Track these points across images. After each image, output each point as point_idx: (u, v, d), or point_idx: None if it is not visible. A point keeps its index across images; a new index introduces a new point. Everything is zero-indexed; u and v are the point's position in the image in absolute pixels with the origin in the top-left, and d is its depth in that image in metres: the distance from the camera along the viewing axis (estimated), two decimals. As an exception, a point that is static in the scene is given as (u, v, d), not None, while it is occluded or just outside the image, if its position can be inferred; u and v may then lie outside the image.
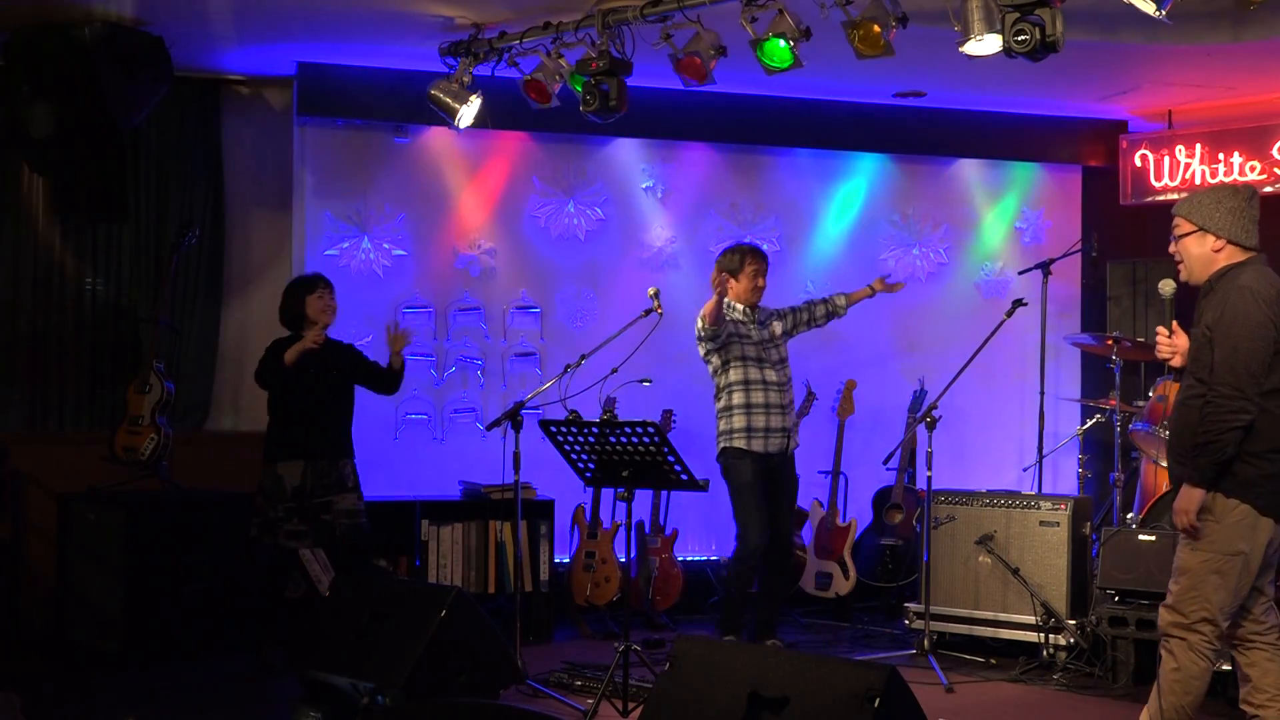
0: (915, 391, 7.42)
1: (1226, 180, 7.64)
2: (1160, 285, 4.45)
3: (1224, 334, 4.11)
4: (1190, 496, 4.12)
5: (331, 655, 4.97)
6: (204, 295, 7.08)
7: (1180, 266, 4.36)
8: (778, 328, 6.24)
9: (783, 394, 6.17)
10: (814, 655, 5.10)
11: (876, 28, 5.05)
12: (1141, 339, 7.22)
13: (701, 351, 6.17)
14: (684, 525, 7.23)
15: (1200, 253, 4.27)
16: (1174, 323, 4.39)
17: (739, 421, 6.08)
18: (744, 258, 6.17)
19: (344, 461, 5.99)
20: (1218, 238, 4.24)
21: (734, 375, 6.12)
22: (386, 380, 6.15)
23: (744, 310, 6.18)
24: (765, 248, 7.58)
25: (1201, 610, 4.14)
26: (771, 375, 6.16)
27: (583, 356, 5.89)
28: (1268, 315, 4.12)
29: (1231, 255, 4.24)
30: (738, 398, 6.09)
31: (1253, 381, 4.07)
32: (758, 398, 6.09)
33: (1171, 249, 4.37)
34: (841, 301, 6.45)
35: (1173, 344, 4.38)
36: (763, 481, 6.09)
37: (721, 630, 6.20)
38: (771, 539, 6.07)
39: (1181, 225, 4.30)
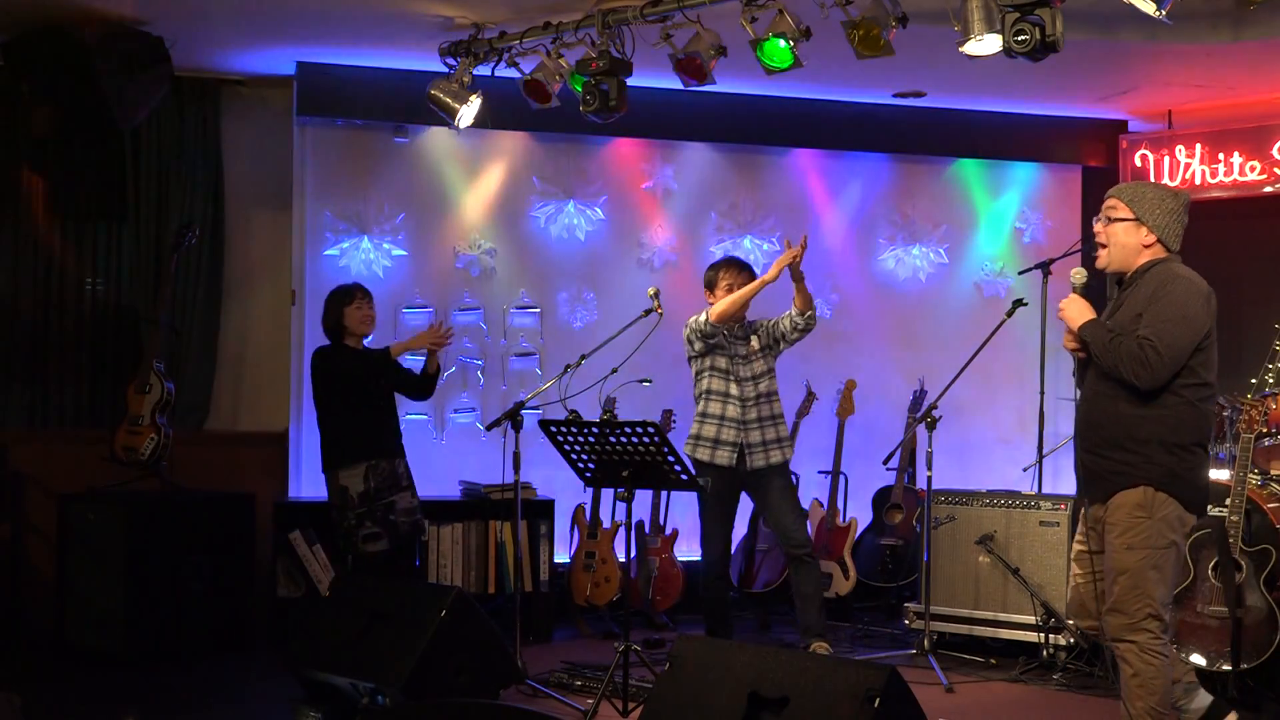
0: (915, 391, 7.41)
1: (1226, 181, 7.67)
2: (1073, 273, 4.46)
3: (1159, 307, 4.16)
4: (1081, 316, 4.28)
5: (331, 655, 4.97)
6: (204, 295, 7.08)
7: (1102, 250, 4.38)
8: (755, 343, 6.18)
9: (745, 409, 6.09)
10: (814, 655, 5.10)
11: (876, 28, 5.05)
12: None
13: (687, 354, 6.21)
14: (684, 525, 7.23)
15: (1130, 243, 4.31)
16: None
17: (694, 428, 6.15)
18: (718, 271, 6.17)
19: (399, 460, 6.05)
20: (1150, 232, 4.28)
21: (702, 384, 6.16)
22: (421, 385, 6.19)
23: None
24: (765, 246, 7.66)
25: (1146, 607, 4.17)
26: (734, 389, 6.13)
27: (583, 356, 5.90)
28: (1208, 312, 4.21)
29: (1156, 253, 4.31)
30: (700, 405, 6.16)
31: (1173, 364, 4.14)
32: (714, 408, 6.11)
33: (1098, 229, 4.38)
34: (793, 310, 6.11)
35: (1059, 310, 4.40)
36: (724, 499, 6.14)
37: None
38: (721, 556, 6.19)
39: (1120, 209, 4.33)
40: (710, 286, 6.17)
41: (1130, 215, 4.30)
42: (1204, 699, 4.45)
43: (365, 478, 5.88)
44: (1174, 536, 4.20)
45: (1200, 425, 4.24)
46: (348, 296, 6.02)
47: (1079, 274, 4.44)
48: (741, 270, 6.18)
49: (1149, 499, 4.18)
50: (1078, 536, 4.51)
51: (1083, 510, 4.45)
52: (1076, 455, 4.43)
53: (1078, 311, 4.32)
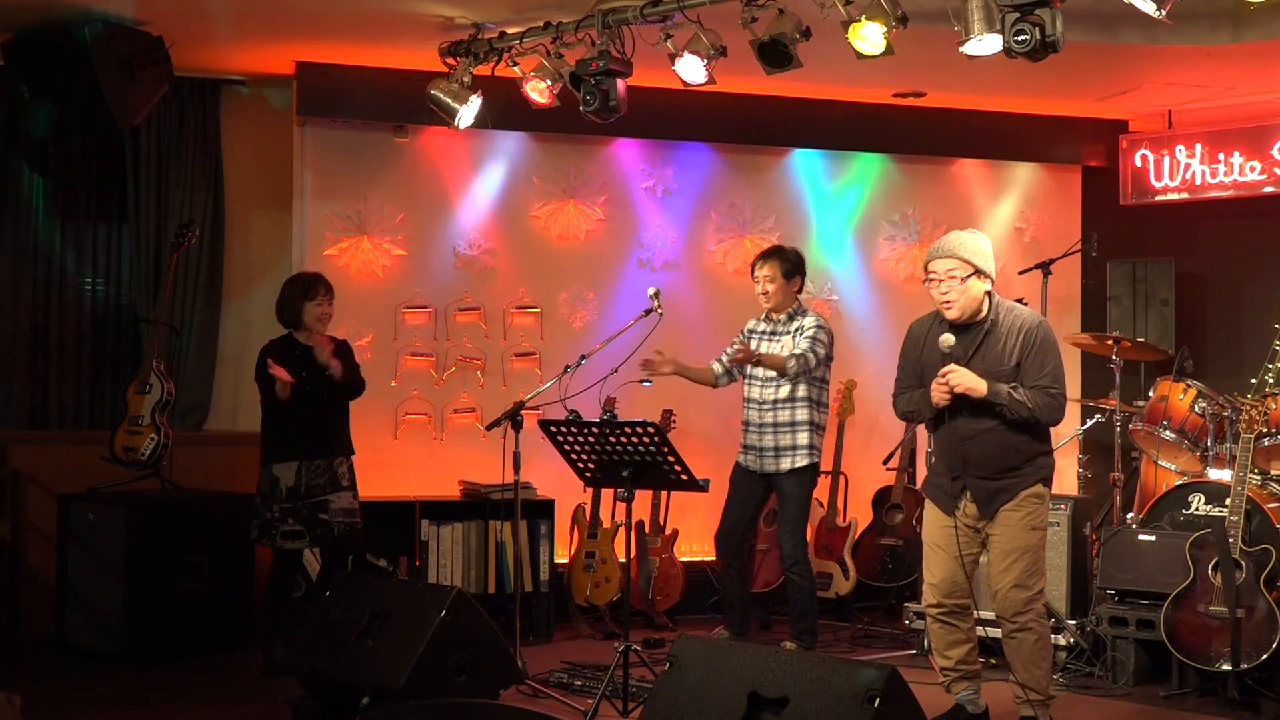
0: (915, 391, 7.41)
1: (1226, 181, 7.68)
2: (941, 340, 4.81)
3: (1046, 360, 4.81)
4: (976, 391, 4.73)
5: (331, 655, 4.97)
6: (204, 295, 7.08)
7: (950, 305, 4.83)
8: (783, 348, 6.22)
9: (762, 412, 6.18)
10: (814, 655, 5.10)
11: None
12: (1142, 339, 7.22)
13: None
14: (684, 525, 7.23)
15: (977, 293, 4.84)
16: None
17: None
18: (751, 267, 6.33)
19: (340, 460, 6.00)
20: (989, 278, 4.85)
21: None
22: (336, 387, 5.98)
23: (761, 318, 6.36)
24: (765, 246, 7.65)
25: (1041, 579, 4.88)
26: (754, 392, 6.24)
27: (583, 357, 5.90)
28: None
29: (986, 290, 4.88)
30: None
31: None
32: (743, 414, 6.30)
33: (941, 290, 4.85)
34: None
35: (949, 383, 4.78)
36: (743, 488, 6.29)
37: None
38: (723, 536, 6.34)
39: (962, 267, 4.81)
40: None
41: (972, 270, 4.81)
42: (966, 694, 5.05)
43: (298, 473, 5.86)
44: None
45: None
46: (309, 292, 5.96)
47: (947, 339, 4.80)
48: (763, 259, 6.27)
49: (1040, 490, 4.89)
50: (941, 527, 4.93)
51: (951, 510, 4.92)
52: (954, 478, 4.90)
53: (972, 379, 4.75)
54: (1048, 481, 4.93)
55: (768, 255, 6.27)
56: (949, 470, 4.93)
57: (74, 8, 5.95)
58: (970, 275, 4.81)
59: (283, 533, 5.87)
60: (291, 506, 5.86)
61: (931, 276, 4.88)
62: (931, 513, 5.01)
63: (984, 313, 4.86)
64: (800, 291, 6.33)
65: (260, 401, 5.99)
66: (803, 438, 6.14)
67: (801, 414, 6.14)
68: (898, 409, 5.19)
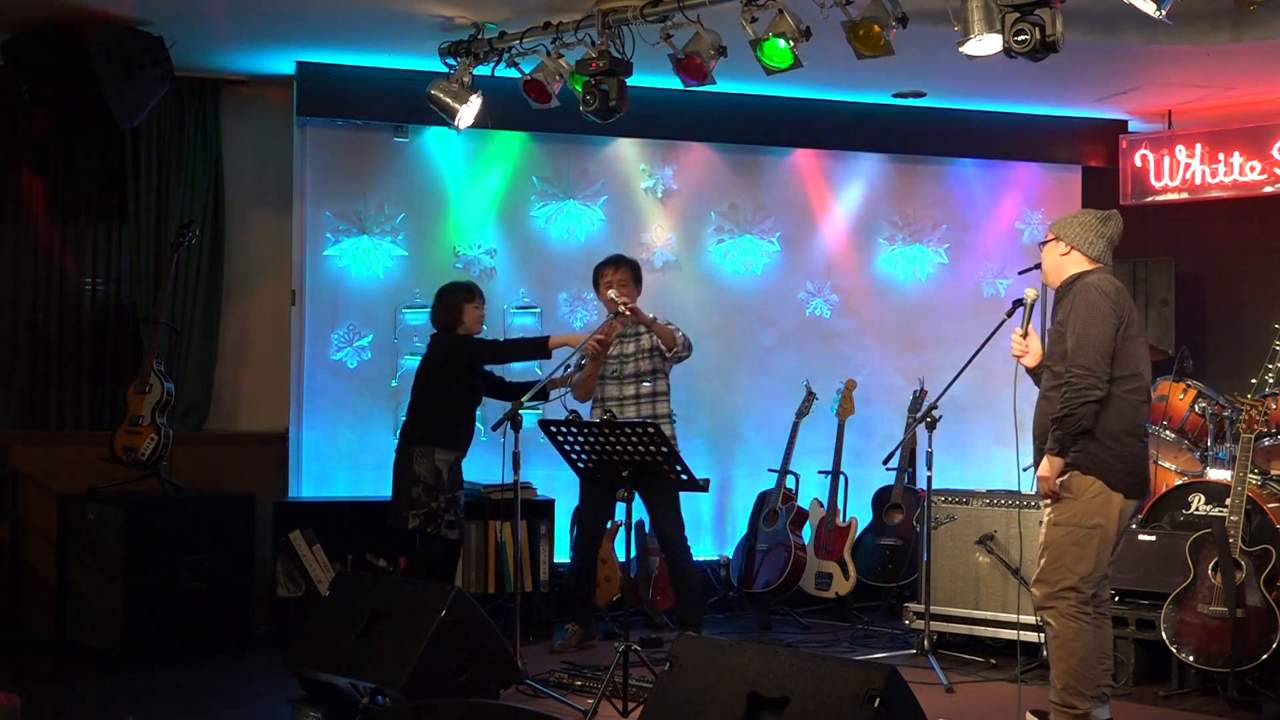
0: (915, 391, 7.40)
1: (1226, 181, 7.68)
2: (1026, 291, 4.97)
3: (1073, 324, 4.66)
4: (1052, 465, 4.64)
5: (331, 655, 4.97)
6: (204, 295, 7.07)
7: (1042, 271, 4.97)
8: (645, 341, 6.34)
9: (624, 407, 6.31)
10: (814, 655, 5.10)
11: (876, 28, 5.05)
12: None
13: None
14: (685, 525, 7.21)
15: (1053, 258, 4.88)
16: (1030, 326, 4.95)
17: None
18: (596, 273, 6.41)
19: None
20: (1067, 244, 4.82)
21: None
22: (514, 390, 6.35)
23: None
24: (765, 246, 7.66)
25: (1064, 578, 4.65)
26: (611, 390, 6.35)
27: (578, 355, 5.91)
28: (1110, 306, 4.66)
29: (1078, 263, 4.82)
30: None
31: (1101, 362, 4.59)
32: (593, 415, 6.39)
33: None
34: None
35: (1025, 345, 4.92)
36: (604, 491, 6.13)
37: None
38: (581, 532, 6.52)
39: (1049, 233, 4.95)
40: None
41: (1051, 236, 4.90)
42: (1106, 713, 4.89)
43: (452, 467, 6.05)
44: (1099, 519, 4.66)
45: (1124, 415, 4.67)
46: (470, 294, 6.19)
47: (1031, 292, 4.94)
48: (608, 267, 6.37)
49: (1073, 482, 4.65)
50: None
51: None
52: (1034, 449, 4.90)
53: (1047, 470, 4.68)
54: (1092, 469, 4.63)
55: (619, 262, 6.40)
56: None
57: (74, 8, 5.95)
58: (1050, 240, 4.90)
59: (447, 522, 6.03)
60: (452, 497, 6.04)
61: None
62: None
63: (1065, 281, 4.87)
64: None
65: (433, 389, 6.11)
66: (665, 429, 6.17)
67: (662, 407, 6.31)
68: None
